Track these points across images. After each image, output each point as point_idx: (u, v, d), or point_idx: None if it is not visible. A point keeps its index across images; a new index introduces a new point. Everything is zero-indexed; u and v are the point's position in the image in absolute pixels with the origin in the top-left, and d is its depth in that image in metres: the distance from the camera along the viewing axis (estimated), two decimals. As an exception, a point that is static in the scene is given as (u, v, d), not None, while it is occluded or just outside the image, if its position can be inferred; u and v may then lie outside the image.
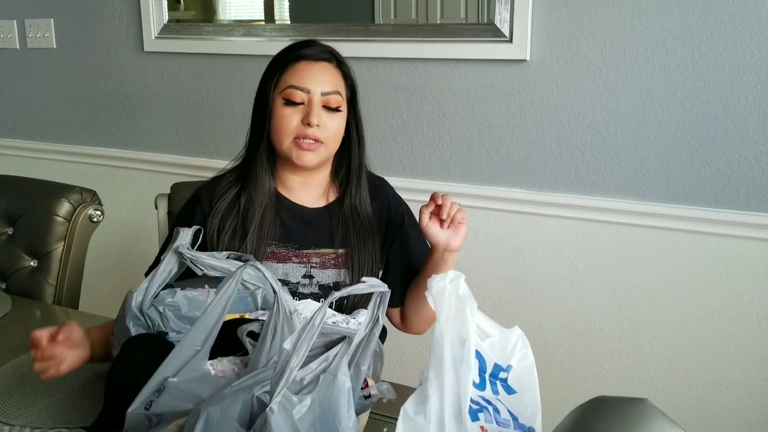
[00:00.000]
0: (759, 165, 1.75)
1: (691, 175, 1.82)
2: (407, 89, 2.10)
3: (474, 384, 0.82)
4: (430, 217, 1.30)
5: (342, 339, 0.82)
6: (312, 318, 0.78)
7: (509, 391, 0.88)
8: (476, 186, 2.07)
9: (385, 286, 0.84)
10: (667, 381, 1.95)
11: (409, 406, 0.79)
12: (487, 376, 0.87)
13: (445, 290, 0.84)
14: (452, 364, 0.80)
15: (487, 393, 0.86)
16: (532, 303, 2.06)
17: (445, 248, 1.30)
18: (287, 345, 0.78)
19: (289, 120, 1.31)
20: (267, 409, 0.74)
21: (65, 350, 1.10)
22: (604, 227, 1.93)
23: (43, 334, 1.10)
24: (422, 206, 1.31)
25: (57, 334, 1.11)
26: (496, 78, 1.99)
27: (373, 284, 0.83)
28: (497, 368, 0.88)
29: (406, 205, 1.50)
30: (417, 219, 1.40)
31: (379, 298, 0.86)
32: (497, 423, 0.81)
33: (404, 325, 1.51)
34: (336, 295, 0.80)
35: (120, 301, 1.12)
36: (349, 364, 0.88)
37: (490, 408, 0.83)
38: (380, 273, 1.44)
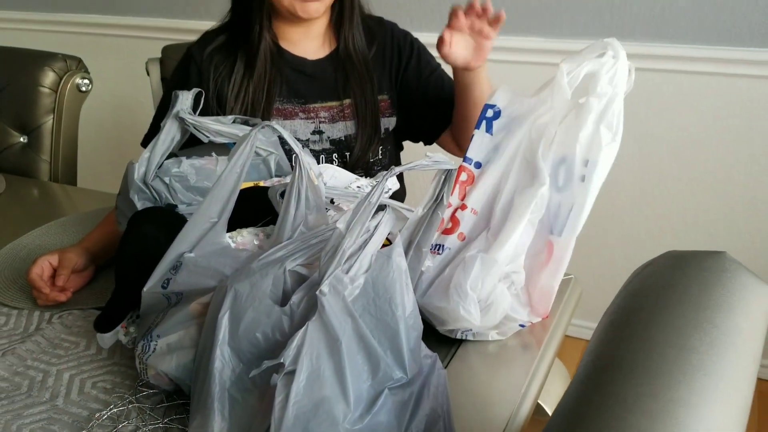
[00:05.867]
0: (802, -3, 1.61)
1: (725, 12, 1.67)
2: (411, -70, 1.91)
3: None
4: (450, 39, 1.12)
5: (383, 208, 0.73)
6: (369, 195, 0.69)
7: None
8: (489, 36, 1.92)
9: (451, 163, 0.74)
10: (692, 235, 1.90)
11: None
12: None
13: None
14: None
15: None
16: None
17: (464, 67, 1.16)
18: (341, 224, 0.69)
19: None
20: (317, 291, 0.67)
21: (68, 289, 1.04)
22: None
23: (42, 284, 1.02)
24: (445, 30, 1.13)
25: (57, 276, 1.03)
26: None
27: (438, 160, 0.73)
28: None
29: (415, 42, 1.37)
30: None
31: (443, 176, 0.76)
32: None
33: (460, 148, 1.36)
34: (396, 170, 0.70)
35: (119, 175, 1.03)
36: (409, 244, 0.79)
37: None
38: (391, 119, 1.33)
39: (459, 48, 1.13)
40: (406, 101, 1.34)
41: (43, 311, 1.03)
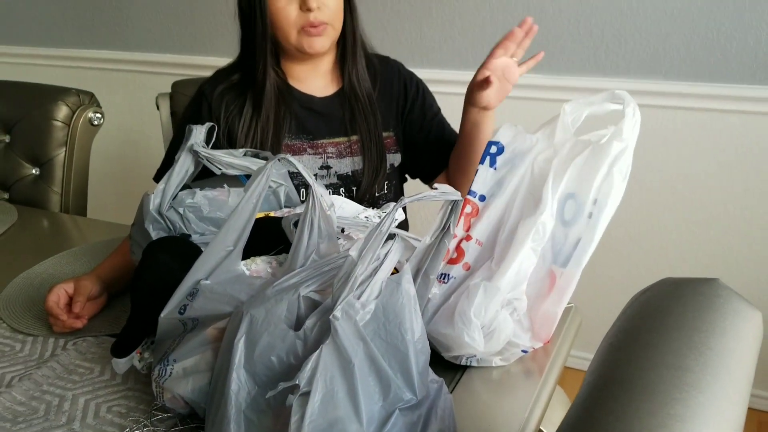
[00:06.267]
0: (790, 36, 1.67)
1: (716, 51, 1.74)
2: (413, -29, 1.97)
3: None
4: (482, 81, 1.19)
5: (392, 237, 0.77)
6: (380, 224, 0.72)
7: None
8: (488, 73, 1.98)
9: (458, 194, 0.78)
10: (689, 264, 1.93)
11: None
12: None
13: None
14: None
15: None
16: (549, 192, 2.01)
17: (484, 107, 1.22)
18: (353, 252, 0.73)
19: (286, 12, 1.23)
20: (331, 316, 0.70)
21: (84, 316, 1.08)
22: (624, 110, 1.85)
23: (59, 311, 1.05)
24: (484, 70, 1.20)
25: (73, 303, 1.07)
26: (508, -46, 1.86)
27: (445, 191, 0.77)
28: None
29: (420, 80, 1.43)
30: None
31: (450, 206, 0.80)
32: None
33: (451, 182, 1.42)
34: (406, 200, 0.74)
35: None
36: (417, 271, 0.83)
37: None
38: (395, 155, 1.38)
39: (489, 91, 1.20)
40: (409, 140, 1.39)
41: (57, 338, 1.06)
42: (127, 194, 2.51)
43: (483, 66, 1.19)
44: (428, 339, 0.89)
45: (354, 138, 1.33)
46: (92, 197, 1.84)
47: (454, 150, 1.35)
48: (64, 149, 1.65)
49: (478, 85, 1.19)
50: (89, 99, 1.69)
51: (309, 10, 1.21)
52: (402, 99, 1.39)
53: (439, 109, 1.43)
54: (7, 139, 1.70)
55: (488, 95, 1.20)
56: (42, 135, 1.64)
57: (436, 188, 0.77)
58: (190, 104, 1.36)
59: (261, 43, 1.26)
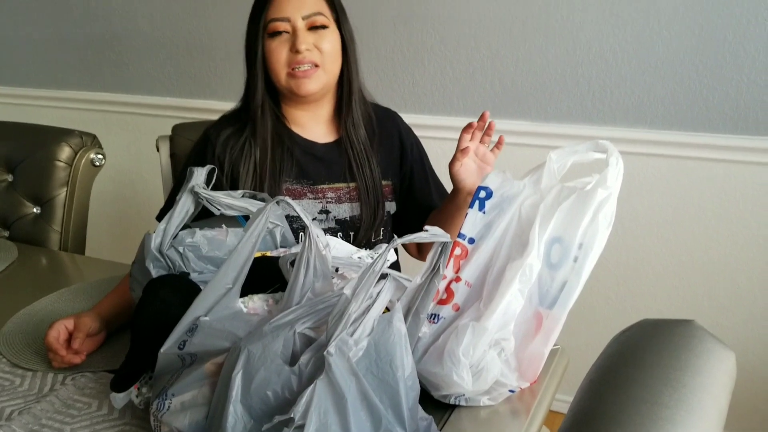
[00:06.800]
0: (768, 89, 1.73)
1: (699, 101, 1.80)
2: (407, 21, 2.04)
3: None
4: (461, 162, 1.26)
5: (384, 277, 0.81)
6: (373, 264, 0.76)
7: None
8: (479, 119, 2.04)
9: (448, 236, 0.82)
10: (675, 309, 1.97)
11: None
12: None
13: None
14: None
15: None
16: (538, 236, 2.06)
17: (469, 192, 1.28)
18: (347, 291, 0.76)
19: (278, 52, 1.29)
20: (325, 352, 0.73)
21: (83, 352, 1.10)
22: (610, 157, 1.91)
23: (59, 347, 1.08)
24: (458, 152, 1.27)
25: (73, 340, 1.09)
26: (499, 7, 1.93)
27: (435, 233, 0.81)
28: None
29: (417, 137, 1.48)
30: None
31: (440, 248, 0.84)
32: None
33: (420, 254, 1.52)
34: (398, 241, 0.78)
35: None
36: (408, 310, 0.86)
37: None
38: (391, 203, 1.43)
39: (468, 173, 1.26)
40: (400, 194, 1.45)
41: (56, 373, 1.08)
42: (124, 233, 2.54)
43: (455, 158, 1.26)
44: (418, 377, 0.93)
45: (353, 185, 1.37)
46: (90, 236, 1.87)
47: (436, 214, 1.41)
48: (66, 189, 1.69)
49: (455, 170, 1.26)
50: (91, 140, 1.74)
51: (298, 51, 1.27)
52: (399, 152, 1.44)
53: (431, 173, 1.49)
54: (10, 178, 1.74)
55: (464, 178, 1.26)
56: (44, 175, 1.68)
57: (426, 230, 0.81)
58: (195, 147, 1.41)
59: (260, 84, 1.32)
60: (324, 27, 1.30)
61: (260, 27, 1.29)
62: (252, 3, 1.34)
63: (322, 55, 1.29)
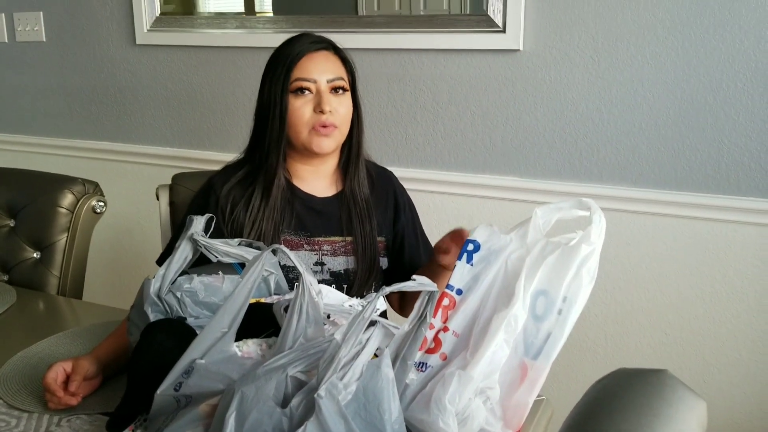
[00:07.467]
0: (748, 151, 1.80)
1: (682, 162, 1.87)
2: (401, 80, 2.13)
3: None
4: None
5: (373, 324, 0.85)
6: (362, 311, 0.80)
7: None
8: (470, 174, 2.10)
9: (434, 285, 0.87)
10: (660, 364, 2.00)
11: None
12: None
13: None
14: None
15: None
16: (527, 289, 2.10)
17: (445, 267, 1.30)
18: (338, 336, 0.80)
19: (301, 112, 1.35)
20: (315, 395, 0.77)
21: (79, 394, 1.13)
22: (597, 213, 1.96)
23: (56, 388, 1.10)
24: (443, 241, 1.29)
25: (70, 382, 1.12)
26: (490, 68, 2.02)
27: (422, 282, 0.86)
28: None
29: (410, 198, 1.55)
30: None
31: (427, 297, 0.89)
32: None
33: (401, 310, 1.56)
34: (387, 290, 0.83)
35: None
36: (396, 356, 0.90)
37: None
38: (384, 259, 1.47)
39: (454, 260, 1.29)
40: (390, 252, 1.50)
41: (52, 415, 1.11)
42: (120, 279, 2.57)
43: (443, 241, 1.28)
44: (406, 424, 0.96)
45: (349, 239, 1.42)
46: (87, 281, 1.91)
47: (420, 272, 1.44)
48: (66, 235, 1.73)
49: (442, 251, 1.28)
50: (94, 188, 1.79)
51: (322, 112, 1.34)
52: (393, 212, 1.50)
53: (422, 235, 1.54)
54: (12, 223, 1.79)
55: (448, 259, 1.27)
56: (46, 220, 1.72)
57: (414, 279, 0.85)
58: (199, 195, 1.45)
59: (277, 139, 1.37)
60: (344, 90, 1.38)
61: (285, 85, 1.35)
62: (266, 60, 1.41)
63: (340, 116, 1.37)
